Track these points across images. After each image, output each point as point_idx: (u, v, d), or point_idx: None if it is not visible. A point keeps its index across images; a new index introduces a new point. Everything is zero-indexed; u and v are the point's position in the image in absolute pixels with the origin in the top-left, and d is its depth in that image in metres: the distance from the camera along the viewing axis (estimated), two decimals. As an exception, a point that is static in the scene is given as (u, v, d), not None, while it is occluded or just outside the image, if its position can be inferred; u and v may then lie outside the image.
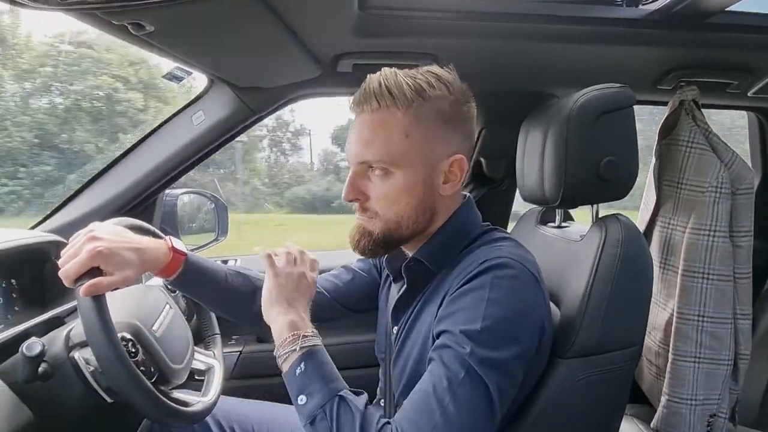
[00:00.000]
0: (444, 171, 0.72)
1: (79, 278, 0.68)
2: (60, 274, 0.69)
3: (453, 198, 0.76)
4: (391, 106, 0.69)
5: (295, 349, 0.68)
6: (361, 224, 0.75)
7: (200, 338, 1.02)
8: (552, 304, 0.81)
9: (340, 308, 0.96)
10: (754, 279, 1.21)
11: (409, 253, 0.79)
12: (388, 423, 0.62)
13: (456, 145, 0.73)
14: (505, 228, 1.42)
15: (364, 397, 0.66)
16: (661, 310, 1.26)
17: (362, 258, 0.99)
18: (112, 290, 0.71)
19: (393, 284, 0.87)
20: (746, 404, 1.37)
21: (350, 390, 0.66)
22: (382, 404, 0.87)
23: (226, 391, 0.95)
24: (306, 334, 0.69)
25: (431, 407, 0.60)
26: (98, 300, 0.66)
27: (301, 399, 0.65)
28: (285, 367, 0.68)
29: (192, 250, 1.23)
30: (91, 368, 0.71)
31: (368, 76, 0.72)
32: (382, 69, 0.72)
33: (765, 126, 1.53)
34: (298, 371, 0.66)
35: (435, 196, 0.73)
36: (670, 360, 1.20)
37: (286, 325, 0.70)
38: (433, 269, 0.76)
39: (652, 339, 1.29)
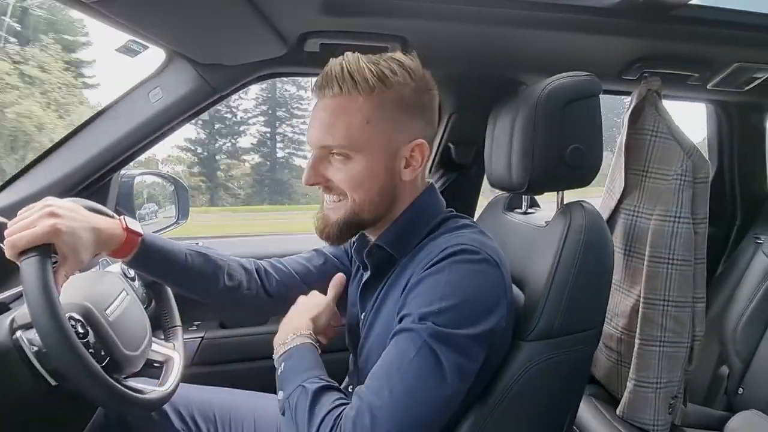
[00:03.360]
0: (405, 156, 0.73)
1: (26, 252, 0.64)
2: (6, 242, 0.65)
3: (414, 184, 0.76)
4: (353, 92, 0.69)
5: (279, 354, 0.74)
6: (325, 213, 0.76)
7: (160, 329, 0.98)
8: (517, 289, 0.82)
9: (308, 291, 0.95)
10: (706, 263, 1.26)
11: (372, 240, 0.79)
12: (342, 405, 0.63)
13: (417, 131, 0.73)
14: (473, 213, 1.43)
15: (322, 383, 0.68)
16: (625, 297, 1.29)
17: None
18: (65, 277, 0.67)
19: (363, 273, 0.86)
20: (696, 384, 1.44)
21: (320, 378, 0.69)
22: (351, 390, 0.87)
23: (187, 378, 0.92)
24: (291, 339, 0.75)
25: (381, 384, 0.61)
26: (44, 275, 0.62)
27: (280, 394, 0.70)
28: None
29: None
30: (35, 348, 0.67)
31: (330, 60, 0.71)
32: (345, 53, 0.71)
33: (722, 118, 1.59)
34: (279, 372, 0.73)
35: (396, 180, 0.73)
36: (636, 345, 1.23)
37: (282, 334, 0.77)
38: (395, 255, 0.76)
39: (614, 326, 1.32)
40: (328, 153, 0.72)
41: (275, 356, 0.75)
